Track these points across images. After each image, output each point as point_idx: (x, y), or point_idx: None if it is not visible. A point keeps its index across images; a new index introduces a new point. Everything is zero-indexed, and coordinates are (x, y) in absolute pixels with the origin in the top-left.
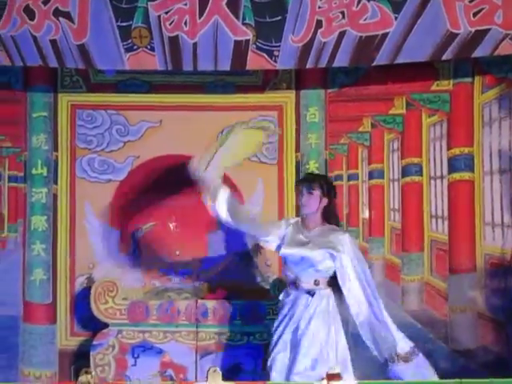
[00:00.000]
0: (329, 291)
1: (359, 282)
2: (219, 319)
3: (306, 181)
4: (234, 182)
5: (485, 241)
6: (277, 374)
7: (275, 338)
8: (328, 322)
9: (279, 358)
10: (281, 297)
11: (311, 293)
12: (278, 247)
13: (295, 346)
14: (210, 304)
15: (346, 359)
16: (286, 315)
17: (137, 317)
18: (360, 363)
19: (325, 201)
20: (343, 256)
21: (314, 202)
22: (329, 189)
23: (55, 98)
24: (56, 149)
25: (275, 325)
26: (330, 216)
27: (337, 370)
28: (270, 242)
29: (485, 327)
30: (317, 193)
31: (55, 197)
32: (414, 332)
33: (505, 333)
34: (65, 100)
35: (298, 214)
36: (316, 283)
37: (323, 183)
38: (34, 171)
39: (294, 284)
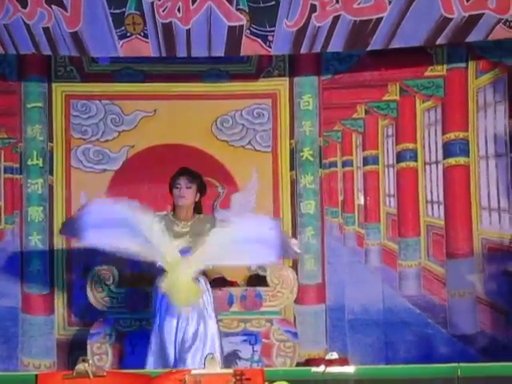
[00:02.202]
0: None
1: None
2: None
3: (186, 175)
4: (229, 170)
5: (481, 225)
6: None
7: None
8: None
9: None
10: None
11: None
12: None
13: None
14: None
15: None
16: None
17: (134, 305)
18: (357, 348)
19: (198, 196)
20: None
21: (192, 195)
22: (202, 186)
23: (49, 88)
24: (51, 139)
25: (159, 312)
26: (198, 211)
27: (334, 356)
28: None
29: (483, 312)
30: (194, 187)
31: (51, 187)
32: (413, 317)
33: (503, 317)
34: (59, 90)
35: (292, 200)
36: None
37: (199, 180)
38: (29, 162)
39: None
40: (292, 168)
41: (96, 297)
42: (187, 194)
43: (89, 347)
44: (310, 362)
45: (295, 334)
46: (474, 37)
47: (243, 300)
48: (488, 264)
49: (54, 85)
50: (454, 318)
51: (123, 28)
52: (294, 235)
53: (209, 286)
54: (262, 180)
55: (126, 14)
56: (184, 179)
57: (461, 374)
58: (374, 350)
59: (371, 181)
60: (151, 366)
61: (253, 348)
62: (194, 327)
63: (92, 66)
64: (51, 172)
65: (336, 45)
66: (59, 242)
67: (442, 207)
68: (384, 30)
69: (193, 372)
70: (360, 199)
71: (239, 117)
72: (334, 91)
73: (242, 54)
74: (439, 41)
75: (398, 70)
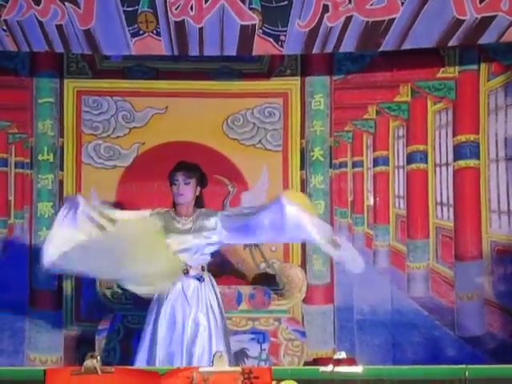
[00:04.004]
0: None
1: None
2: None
3: (183, 170)
4: (239, 168)
5: (491, 228)
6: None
7: (166, 324)
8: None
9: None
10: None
11: (201, 279)
12: None
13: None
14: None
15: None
16: (176, 304)
17: (142, 302)
18: (365, 349)
19: (198, 190)
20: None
21: (191, 191)
22: (202, 178)
23: (61, 84)
24: (62, 135)
25: (164, 313)
26: (199, 204)
27: (343, 355)
28: None
29: (492, 314)
30: (193, 182)
31: (61, 183)
32: (421, 319)
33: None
34: (71, 86)
35: None
36: (202, 268)
37: (198, 173)
38: (40, 157)
39: (183, 271)
40: (302, 168)
41: (105, 293)
42: (186, 190)
43: (97, 343)
44: (318, 362)
45: (303, 333)
46: (486, 39)
47: (252, 298)
48: (497, 266)
49: (65, 81)
50: (462, 320)
51: (136, 26)
52: None
53: (214, 282)
54: (272, 179)
55: (138, 11)
56: (181, 175)
57: (468, 375)
58: (382, 351)
59: (381, 182)
60: (143, 362)
61: (261, 346)
62: (197, 323)
63: (104, 62)
64: (62, 167)
65: (348, 45)
66: None
67: (451, 209)
68: (396, 30)
69: (201, 369)
70: (369, 200)
71: (250, 115)
72: (346, 91)
73: (254, 53)
74: (451, 42)
75: (410, 71)
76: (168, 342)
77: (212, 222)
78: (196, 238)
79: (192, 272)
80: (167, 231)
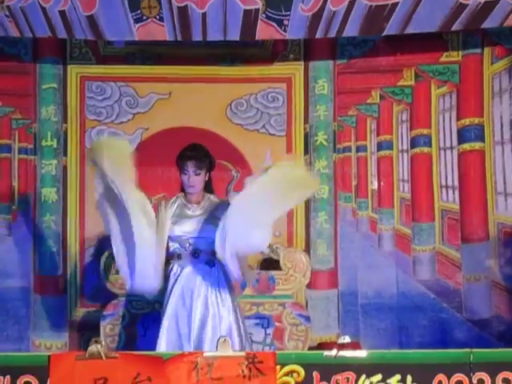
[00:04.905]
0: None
1: None
2: None
3: (194, 161)
4: (243, 154)
5: (497, 210)
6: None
7: (179, 310)
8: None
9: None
10: (175, 269)
11: (210, 264)
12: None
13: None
14: None
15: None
16: (186, 287)
17: None
18: (370, 333)
19: (207, 176)
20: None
21: (201, 182)
22: (211, 165)
23: (64, 69)
24: (65, 120)
25: (173, 295)
26: (208, 189)
27: (347, 340)
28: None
29: (499, 296)
30: (203, 173)
31: (65, 168)
32: (427, 302)
33: None
34: (74, 72)
35: None
36: (213, 253)
37: (208, 162)
38: (43, 143)
39: (194, 256)
40: (306, 152)
41: (109, 278)
42: (197, 181)
43: (101, 329)
44: (322, 346)
45: (307, 318)
46: (489, 23)
47: (256, 283)
48: (504, 248)
49: (69, 66)
50: (470, 302)
51: (139, 11)
52: (307, 220)
53: (223, 267)
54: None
55: None
56: (192, 166)
57: (473, 359)
58: (388, 335)
59: (385, 166)
60: (162, 347)
61: (265, 331)
62: (207, 307)
63: (107, 48)
64: (65, 153)
65: (351, 29)
66: (72, 223)
67: (456, 192)
68: (399, 15)
69: (205, 354)
70: (374, 184)
71: (254, 100)
72: (349, 76)
73: (257, 38)
74: (454, 27)
75: (413, 56)
76: (177, 326)
77: (219, 209)
78: (206, 223)
79: (202, 256)
80: (178, 217)
